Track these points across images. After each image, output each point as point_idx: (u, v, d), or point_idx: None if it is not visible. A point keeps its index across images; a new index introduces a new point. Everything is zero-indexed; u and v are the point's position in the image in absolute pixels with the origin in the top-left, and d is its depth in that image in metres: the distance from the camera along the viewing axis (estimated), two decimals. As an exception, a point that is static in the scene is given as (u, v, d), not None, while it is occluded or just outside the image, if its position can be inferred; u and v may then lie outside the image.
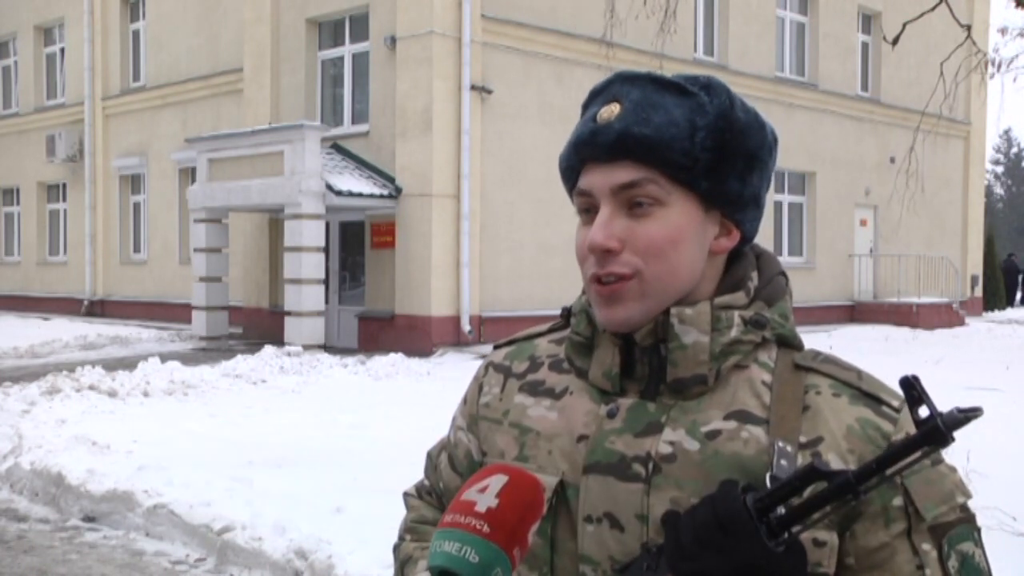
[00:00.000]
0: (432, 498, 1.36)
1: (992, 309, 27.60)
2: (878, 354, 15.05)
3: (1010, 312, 27.84)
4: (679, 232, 1.11)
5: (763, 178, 1.16)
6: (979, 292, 26.46)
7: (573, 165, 1.16)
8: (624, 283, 1.11)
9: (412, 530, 1.34)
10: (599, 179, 1.12)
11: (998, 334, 20.47)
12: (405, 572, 1.28)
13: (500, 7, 16.06)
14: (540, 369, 1.24)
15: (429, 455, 1.38)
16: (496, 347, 1.33)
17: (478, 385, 1.30)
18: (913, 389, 0.94)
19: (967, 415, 0.91)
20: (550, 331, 1.29)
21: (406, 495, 1.40)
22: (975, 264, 26.27)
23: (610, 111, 1.13)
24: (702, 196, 1.12)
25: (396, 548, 1.34)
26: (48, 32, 24.85)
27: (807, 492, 0.97)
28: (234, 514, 5.90)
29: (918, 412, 0.93)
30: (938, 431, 0.91)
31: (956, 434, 0.92)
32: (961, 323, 22.07)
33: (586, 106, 1.19)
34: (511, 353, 1.29)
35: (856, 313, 22.26)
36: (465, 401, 1.32)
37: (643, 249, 1.11)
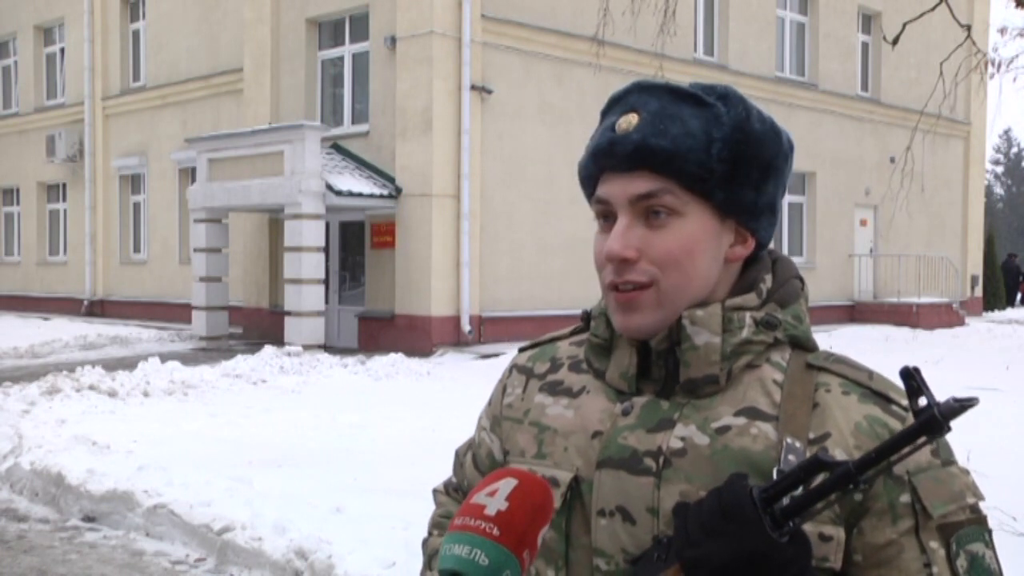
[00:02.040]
0: (459, 495, 1.40)
1: (992, 309, 27.59)
2: (878, 354, 15.03)
3: (1010, 312, 27.82)
4: (695, 242, 1.13)
5: (779, 186, 1.19)
6: (979, 292, 26.46)
7: (592, 173, 1.19)
8: (641, 292, 1.14)
9: (439, 525, 1.38)
10: (617, 189, 1.15)
11: (998, 334, 20.45)
12: (431, 566, 1.32)
13: (500, 7, 16.06)
14: (560, 370, 1.27)
15: (457, 453, 1.42)
16: (521, 350, 1.36)
17: (502, 387, 1.34)
18: (912, 380, 0.95)
19: (963, 404, 0.93)
20: (572, 334, 1.32)
21: (435, 491, 1.45)
22: (975, 264, 26.27)
23: (628, 121, 1.15)
24: (718, 206, 1.14)
25: (425, 543, 1.38)
26: (48, 32, 24.85)
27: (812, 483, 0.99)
28: (234, 514, 5.90)
29: (917, 402, 0.95)
30: (935, 420, 0.93)
31: (957, 430, 0.94)
32: (961, 323, 22.06)
33: (605, 113, 1.21)
34: (534, 355, 1.33)
35: (856, 313, 22.25)
36: (490, 403, 1.36)
37: (659, 259, 1.13)
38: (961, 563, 1.06)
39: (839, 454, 1.08)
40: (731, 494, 0.99)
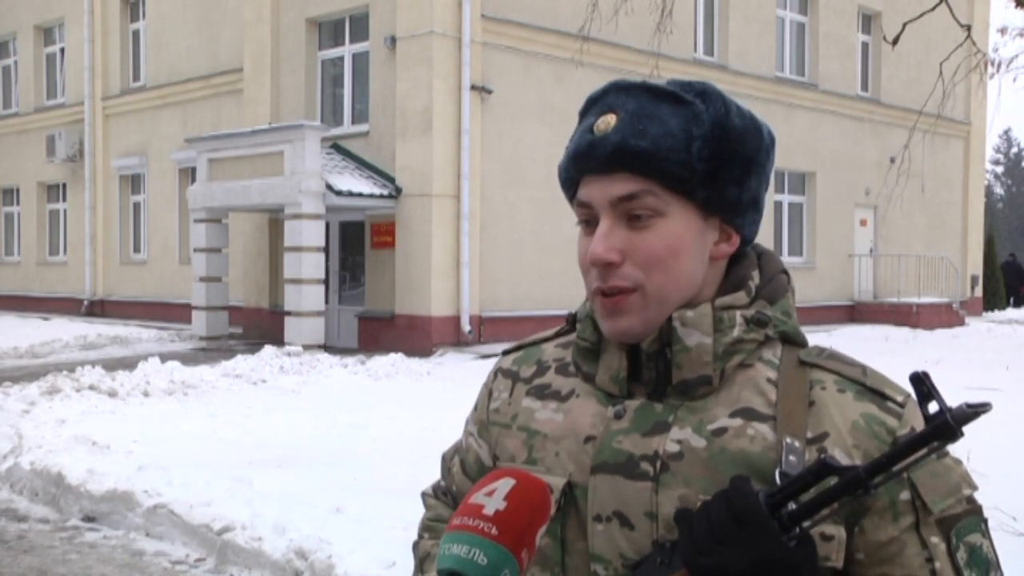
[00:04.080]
0: (448, 498, 1.38)
1: (992, 309, 27.58)
2: (878, 354, 15.02)
3: (1010, 312, 27.81)
4: (679, 242, 1.12)
5: (761, 181, 1.17)
6: (979, 292, 26.46)
7: (572, 176, 1.17)
8: (626, 296, 1.12)
9: (429, 528, 1.36)
10: (597, 191, 1.13)
11: (998, 334, 20.44)
12: (423, 569, 1.31)
13: (500, 7, 16.06)
14: (547, 373, 1.25)
15: (444, 458, 1.41)
16: (505, 353, 1.34)
17: (488, 391, 1.31)
18: (923, 385, 0.95)
19: (976, 410, 0.92)
20: (556, 335, 1.30)
21: (424, 495, 1.43)
22: (975, 264, 26.26)
23: (606, 122, 1.13)
24: (700, 204, 1.13)
25: (415, 546, 1.36)
26: (48, 32, 24.85)
27: (816, 487, 0.99)
28: (234, 514, 5.90)
29: (928, 408, 0.94)
30: (947, 426, 0.92)
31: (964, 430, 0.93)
32: (961, 323, 22.05)
33: (583, 114, 1.19)
34: (519, 358, 1.30)
35: (856, 313, 22.25)
36: (476, 407, 1.34)
37: (644, 261, 1.12)
38: (961, 555, 1.06)
39: (838, 454, 1.07)
40: (741, 499, 0.98)
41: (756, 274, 1.18)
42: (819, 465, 0.97)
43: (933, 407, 0.94)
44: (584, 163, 1.15)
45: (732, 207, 1.14)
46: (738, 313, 1.14)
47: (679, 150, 1.10)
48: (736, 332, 1.13)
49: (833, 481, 0.97)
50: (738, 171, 1.13)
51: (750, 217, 1.17)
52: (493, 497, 0.99)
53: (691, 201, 1.12)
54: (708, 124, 1.11)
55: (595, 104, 1.17)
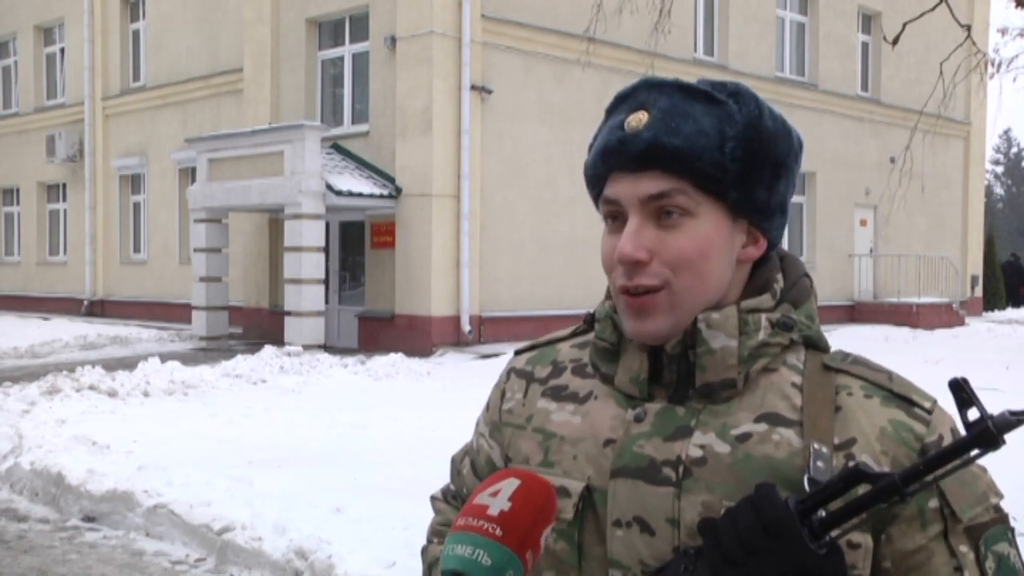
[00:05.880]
0: (457, 502, 1.36)
1: (992, 309, 27.58)
2: (878, 354, 14.93)
3: (1010, 312, 27.80)
4: (708, 243, 1.10)
5: (789, 185, 1.16)
6: (979, 292, 26.46)
7: (600, 173, 1.15)
8: (654, 296, 1.10)
9: (438, 533, 1.34)
10: (627, 189, 1.11)
11: (998, 334, 20.44)
12: (432, 574, 1.30)
13: (500, 7, 16.06)
14: (563, 374, 1.23)
15: (453, 460, 1.38)
16: (517, 353, 1.32)
17: (500, 391, 1.29)
18: (963, 391, 0.92)
19: (1019, 417, 0.90)
20: (572, 335, 1.28)
21: (433, 498, 1.41)
22: (975, 264, 26.26)
23: (638, 119, 1.11)
24: (731, 206, 1.11)
25: (424, 551, 1.35)
26: (48, 32, 24.85)
27: (847, 494, 0.97)
28: (234, 514, 5.90)
29: (967, 414, 0.92)
30: (989, 433, 0.90)
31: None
32: (961, 323, 22.05)
33: (611, 111, 1.17)
34: (533, 358, 1.28)
35: (856, 313, 22.25)
36: (487, 408, 1.31)
37: (672, 261, 1.10)
38: (989, 565, 1.05)
39: (866, 459, 1.06)
40: (769, 508, 0.95)
41: (780, 277, 1.17)
42: (852, 472, 0.95)
43: (973, 414, 0.91)
44: (614, 160, 1.12)
45: (761, 210, 1.13)
46: (763, 316, 1.13)
47: (712, 149, 1.09)
48: (761, 335, 1.12)
49: (864, 488, 0.95)
50: (768, 174, 1.12)
51: (777, 221, 1.16)
52: (498, 498, 0.98)
53: (722, 202, 1.11)
54: (741, 125, 1.10)
55: (625, 101, 1.15)
